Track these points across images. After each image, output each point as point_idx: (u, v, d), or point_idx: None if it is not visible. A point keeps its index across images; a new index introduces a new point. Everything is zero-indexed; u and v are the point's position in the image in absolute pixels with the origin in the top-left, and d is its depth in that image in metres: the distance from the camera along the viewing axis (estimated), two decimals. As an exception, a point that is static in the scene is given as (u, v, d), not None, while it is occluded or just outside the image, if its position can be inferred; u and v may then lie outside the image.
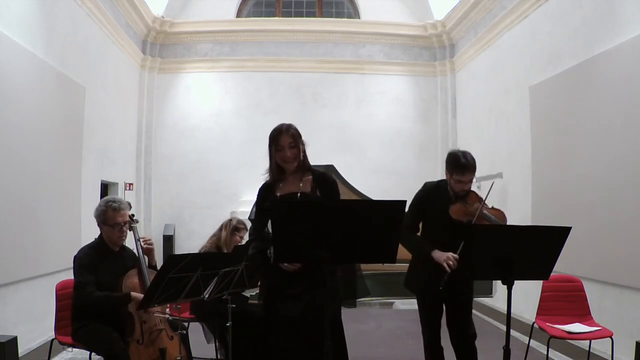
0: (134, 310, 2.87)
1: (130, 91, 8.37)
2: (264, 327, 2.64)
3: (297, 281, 2.48)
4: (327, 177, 2.68)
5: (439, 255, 2.84)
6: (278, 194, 2.61)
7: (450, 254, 2.78)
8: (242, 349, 3.43)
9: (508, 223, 2.99)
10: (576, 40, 5.29)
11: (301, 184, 2.62)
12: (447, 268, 2.76)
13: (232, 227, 3.98)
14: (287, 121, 2.67)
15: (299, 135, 2.62)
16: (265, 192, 2.68)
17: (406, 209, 2.16)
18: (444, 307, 3.12)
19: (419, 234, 3.16)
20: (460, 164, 2.91)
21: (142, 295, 2.82)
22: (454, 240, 2.74)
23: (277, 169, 2.63)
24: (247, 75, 9.14)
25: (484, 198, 3.01)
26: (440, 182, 3.15)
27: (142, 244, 3.10)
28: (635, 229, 4.27)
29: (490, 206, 3.07)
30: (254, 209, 2.75)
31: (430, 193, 3.11)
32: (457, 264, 2.71)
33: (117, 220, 3.05)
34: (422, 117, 9.28)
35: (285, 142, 2.56)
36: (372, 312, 6.64)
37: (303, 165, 2.64)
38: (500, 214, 3.00)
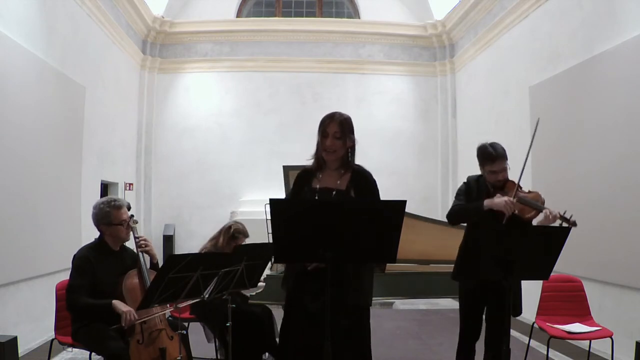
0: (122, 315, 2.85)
1: (130, 91, 8.37)
2: (283, 319, 2.57)
3: (320, 278, 2.37)
4: (366, 176, 2.53)
5: (492, 202, 2.87)
6: (317, 186, 2.52)
7: (507, 199, 2.84)
8: (242, 349, 3.44)
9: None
10: (576, 40, 5.29)
11: (339, 181, 2.51)
12: (507, 212, 2.80)
13: (230, 235, 3.92)
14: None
15: (350, 130, 2.48)
16: (302, 180, 2.58)
17: (406, 209, 2.16)
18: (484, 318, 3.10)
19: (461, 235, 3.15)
20: (489, 153, 2.98)
21: (122, 304, 2.82)
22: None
23: (320, 158, 2.52)
24: (247, 75, 9.14)
25: (517, 182, 3.00)
26: (480, 177, 3.17)
27: (139, 244, 3.11)
28: (635, 229, 4.27)
29: (526, 190, 3.09)
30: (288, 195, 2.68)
31: (472, 187, 3.14)
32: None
33: (123, 217, 3.08)
34: (422, 117, 9.28)
35: (331, 130, 2.44)
36: (372, 312, 6.61)
37: (346, 161, 2.52)
38: (536, 195, 3.02)
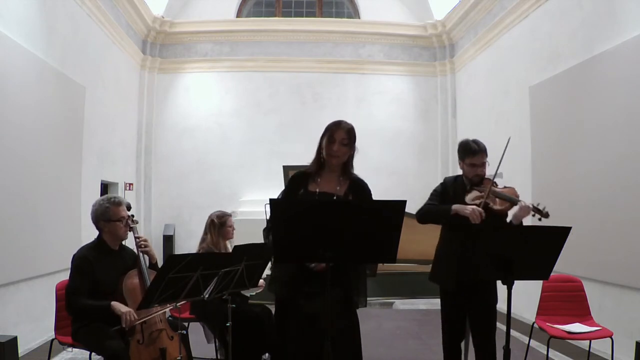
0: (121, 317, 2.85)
1: (130, 91, 8.37)
2: (276, 322, 2.62)
3: (316, 279, 2.42)
4: (363, 186, 2.66)
5: (461, 207, 2.91)
6: (317, 190, 2.60)
7: (475, 207, 2.86)
8: (242, 349, 3.43)
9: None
10: (576, 40, 5.30)
11: (338, 187, 2.62)
12: (472, 221, 2.82)
13: (217, 225, 3.97)
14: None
15: (354, 139, 2.60)
16: (298, 181, 2.66)
17: (406, 209, 2.16)
18: (468, 319, 3.13)
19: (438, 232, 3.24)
20: (472, 147, 3.05)
21: (121, 305, 2.84)
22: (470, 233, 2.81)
23: (322, 162, 2.62)
24: (247, 75, 9.15)
25: (492, 179, 3.06)
26: (457, 177, 3.22)
27: (139, 244, 3.11)
28: (635, 229, 4.27)
29: (502, 186, 3.15)
30: (282, 195, 2.74)
31: (448, 186, 3.19)
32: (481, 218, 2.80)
33: (121, 214, 3.09)
34: (422, 117, 9.28)
35: (339, 136, 2.55)
36: (372, 312, 6.64)
37: (346, 169, 2.64)
38: (511, 190, 3.06)
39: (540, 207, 2.93)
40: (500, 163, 3.10)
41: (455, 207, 2.94)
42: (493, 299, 3.05)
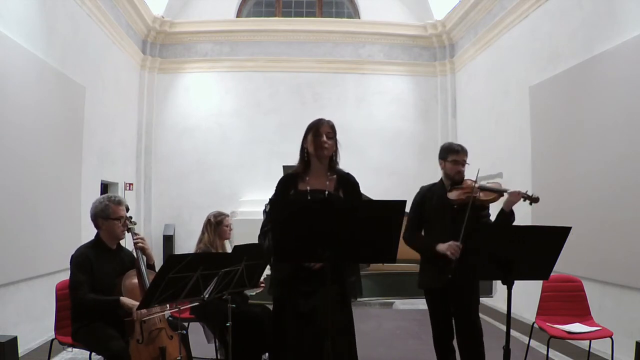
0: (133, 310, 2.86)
1: (130, 91, 8.37)
2: (274, 321, 2.64)
3: (313, 278, 2.44)
4: (350, 179, 2.72)
5: (441, 247, 3.04)
6: (307, 188, 2.63)
7: (452, 243, 2.98)
8: (242, 349, 3.43)
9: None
10: (576, 40, 5.30)
11: (327, 183, 2.66)
12: (452, 256, 2.94)
13: (214, 225, 4.02)
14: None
15: (336, 133, 2.68)
16: (288, 183, 2.71)
17: (407, 209, 2.16)
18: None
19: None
20: (454, 146, 3.25)
21: (131, 300, 2.85)
22: (455, 227, 2.99)
23: (306, 162, 2.67)
24: (247, 75, 9.15)
25: (474, 180, 3.18)
26: (433, 184, 3.38)
27: (136, 241, 3.12)
28: (635, 229, 4.27)
29: (485, 182, 3.31)
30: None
31: (425, 193, 3.34)
32: (460, 250, 2.89)
33: (120, 213, 3.11)
34: (422, 117, 9.28)
35: (324, 130, 2.63)
36: (372, 312, 6.64)
37: (332, 163, 2.69)
38: (496, 184, 3.22)
39: (530, 194, 3.03)
40: (476, 179, 3.21)
41: (438, 248, 3.05)
42: (476, 294, 3.19)
